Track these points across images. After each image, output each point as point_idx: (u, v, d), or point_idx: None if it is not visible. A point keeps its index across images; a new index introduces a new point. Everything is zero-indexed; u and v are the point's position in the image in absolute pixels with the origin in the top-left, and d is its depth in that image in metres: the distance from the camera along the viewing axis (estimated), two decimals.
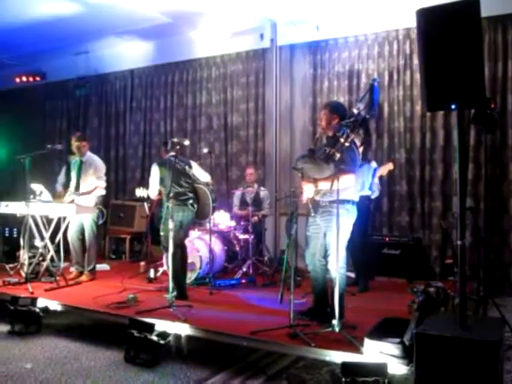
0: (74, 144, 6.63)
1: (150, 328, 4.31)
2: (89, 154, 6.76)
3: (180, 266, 5.60)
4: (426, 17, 3.31)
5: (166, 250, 5.44)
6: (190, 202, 5.79)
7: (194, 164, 6.05)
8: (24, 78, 10.06)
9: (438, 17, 3.27)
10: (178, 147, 5.38)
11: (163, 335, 4.32)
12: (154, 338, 4.26)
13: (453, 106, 3.27)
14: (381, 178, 6.27)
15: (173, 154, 5.57)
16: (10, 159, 10.26)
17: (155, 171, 5.76)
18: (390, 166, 6.10)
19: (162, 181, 5.72)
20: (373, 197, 5.98)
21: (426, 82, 3.34)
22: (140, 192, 6.14)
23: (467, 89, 3.18)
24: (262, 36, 8.12)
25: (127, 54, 9.46)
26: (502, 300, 5.41)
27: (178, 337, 4.44)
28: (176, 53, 8.97)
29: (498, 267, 6.48)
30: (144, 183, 6.46)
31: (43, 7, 7.28)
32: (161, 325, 4.42)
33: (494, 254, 6.44)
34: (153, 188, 5.83)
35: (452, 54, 3.20)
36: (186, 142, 5.52)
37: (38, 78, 10.12)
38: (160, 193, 5.88)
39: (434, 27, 3.28)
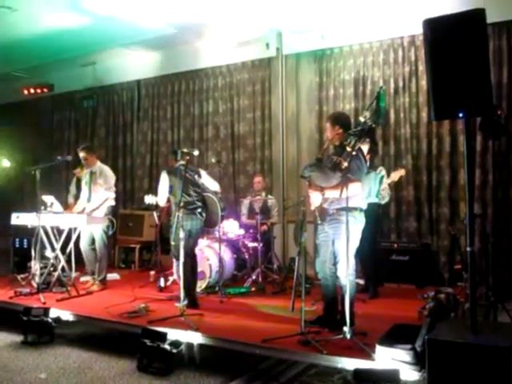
0: (80, 155, 6.72)
1: (163, 337, 4.34)
2: (99, 164, 6.84)
3: (190, 274, 5.63)
4: (433, 26, 3.36)
5: (177, 258, 5.49)
6: (199, 210, 5.83)
7: (203, 173, 6.10)
8: (32, 90, 10.15)
9: (445, 26, 3.32)
10: (187, 157, 5.44)
11: (176, 344, 4.36)
12: (167, 346, 4.29)
13: (460, 115, 3.32)
14: (391, 183, 6.29)
15: (182, 162, 5.63)
16: (19, 170, 10.37)
17: (164, 179, 5.81)
18: (401, 172, 6.13)
19: (171, 189, 5.77)
20: (383, 202, 6.01)
21: (433, 90, 3.38)
22: (149, 199, 6.18)
23: (474, 97, 3.22)
24: (267, 45, 8.19)
25: (134, 65, 9.55)
26: (511, 305, 5.40)
27: (190, 345, 4.47)
28: (182, 63, 9.05)
29: (507, 272, 6.48)
30: (152, 191, 6.51)
31: (50, 20, 7.37)
32: (173, 334, 4.46)
33: (503, 258, 6.44)
34: (162, 196, 5.88)
35: (459, 63, 3.25)
36: (196, 153, 5.57)
37: (45, 90, 10.20)
38: (168, 200, 5.93)
39: (441, 37, 3.33)
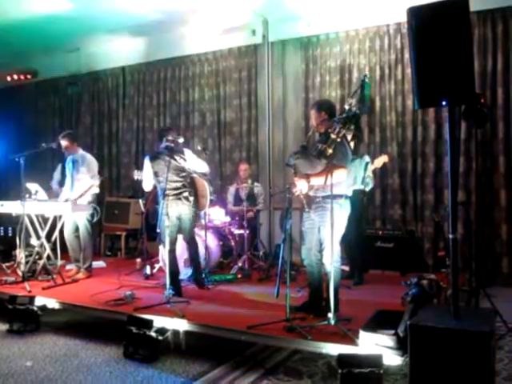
0: (61, 143, 6.65)
1: (149, 324, 4.36)
2: (81, 152, 6.74)
3: (195, 257, 5.94)
4: (417, 14, 3.36)
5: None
6: (185, 195, 5.71)
7: (188, 154, 5.92)
8: (15, 77, 10.03)
9: (429, 15, 3.32)
10: (172, 144, 5.39)
11: (162, 331, 4.37)
12: (153, 334, 4.31)
13: (443, 103, 3.33)
14: (375, 170, 6.31)
15: (166, 144, 5.58)
16: (2, 158, 10.25)
17: (147, 166, 5.73)
18: (384, 159, 6.14)
19: (155, 175, 5.70)
20: (367, 189, 6.00)
21: (416, 79, 3.39)
22: (137, 175, 6.11)
23: (457, 86, 3.23)
24: (253, 32, 8.17)
25: (119, 51, 9.45)
26: (493, 291, 5.49)
27: (176, 332, 4.49)
28: (168, 49, 8.98)
29: (489, 258, 6.58)
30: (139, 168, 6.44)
31: (34, 5, 7.28)
32: (159, 321, 4.47)
33: (486, 245, 6.54)
34: (147, 182, 5.81)
35: (442, 51, 3.25)
36: (181, 140, 5.53)
37: (29, 77, 10.09)
38: (155, 187, 5.88)
39: (425, 25, 3.33)
